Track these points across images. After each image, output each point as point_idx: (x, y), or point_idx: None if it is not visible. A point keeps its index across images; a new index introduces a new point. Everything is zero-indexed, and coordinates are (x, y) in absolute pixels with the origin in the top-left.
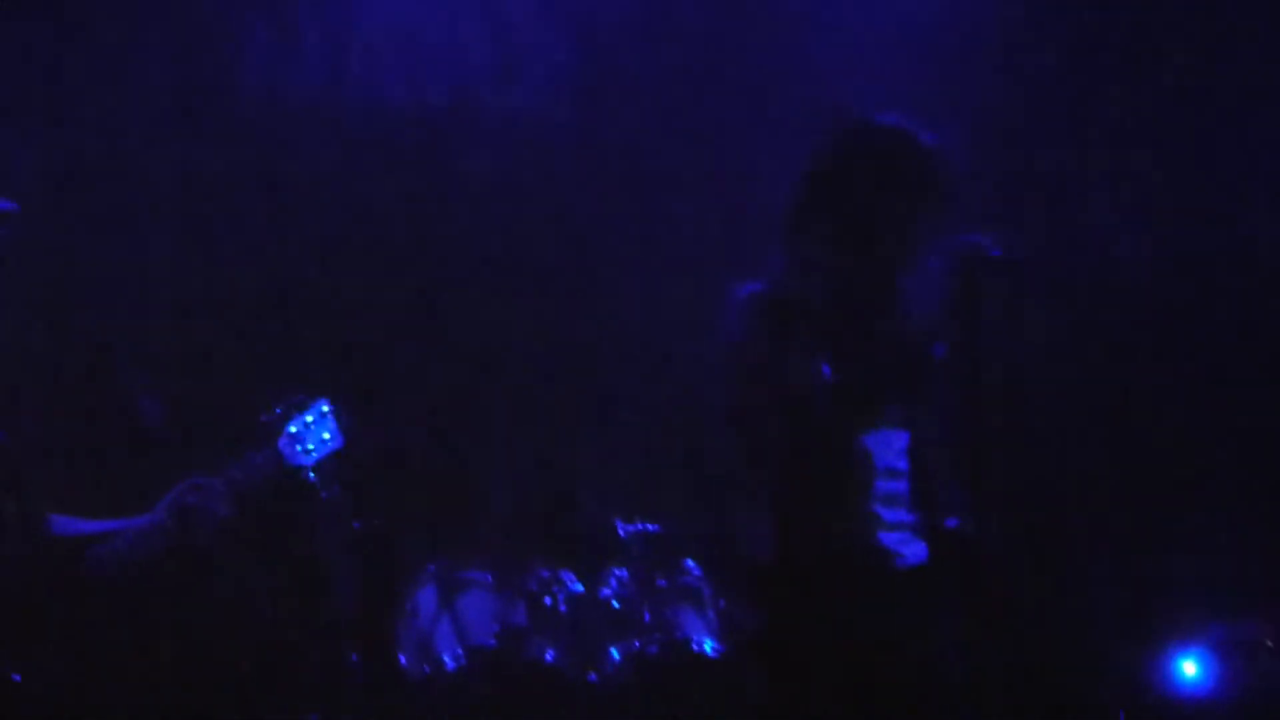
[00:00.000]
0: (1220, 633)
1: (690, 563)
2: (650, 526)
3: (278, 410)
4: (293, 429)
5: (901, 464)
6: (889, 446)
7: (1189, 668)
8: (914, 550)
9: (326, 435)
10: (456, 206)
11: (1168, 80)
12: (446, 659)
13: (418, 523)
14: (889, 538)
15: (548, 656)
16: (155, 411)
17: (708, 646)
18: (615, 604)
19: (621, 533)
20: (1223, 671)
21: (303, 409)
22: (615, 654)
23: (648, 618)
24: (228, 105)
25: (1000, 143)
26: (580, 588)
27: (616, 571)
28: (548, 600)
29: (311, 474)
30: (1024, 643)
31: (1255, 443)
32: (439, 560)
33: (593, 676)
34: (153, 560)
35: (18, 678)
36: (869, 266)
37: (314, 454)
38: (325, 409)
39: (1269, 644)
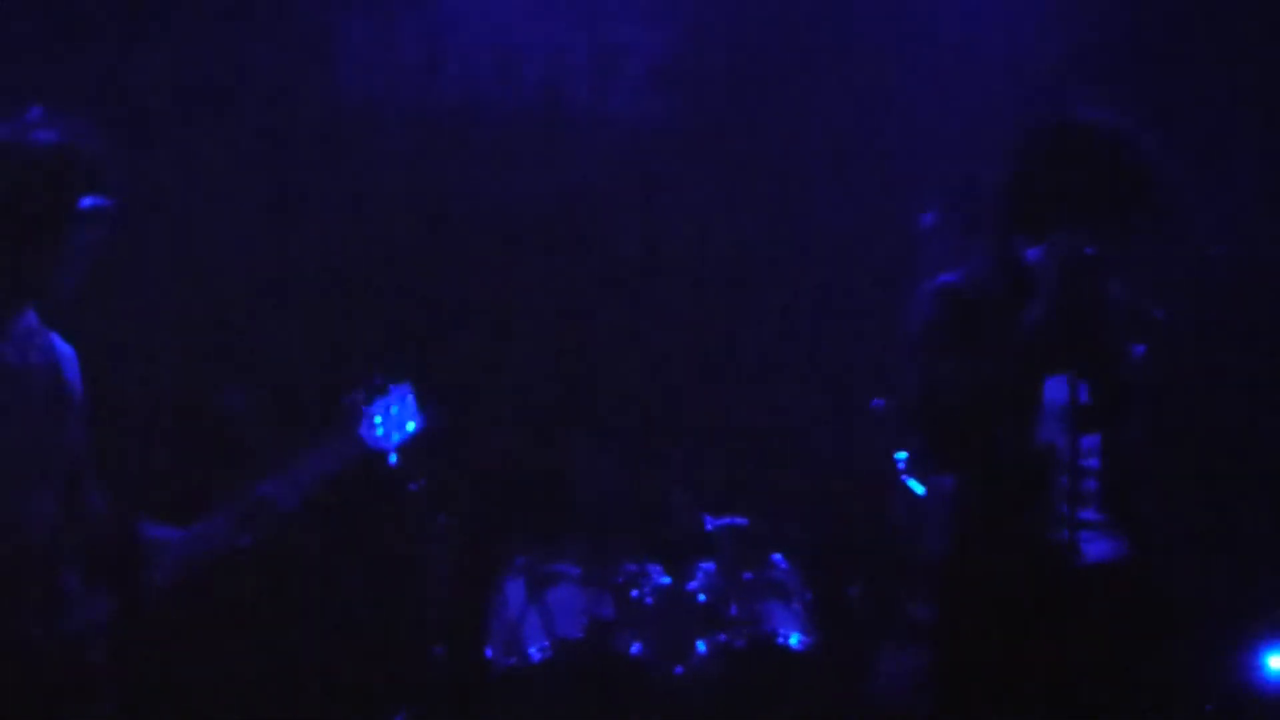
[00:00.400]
0: None
1: (777, 556)
2: (737, 520)
3: (359, 393)
4: (375, 413)
5: (1092, 463)
6: (1080, 443)
7: (1277, 663)
8: (1100, 549)
9: (410, 420)
10: (550, 202)
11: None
12: (533, 652)
13: (505, 515)
14: (1076, 536)
15: (634, 649)
16: (239, 403)
17: (794, 640)
18: (702, 597)
19: (709, 526)
20: None
21: (384, 392)
22: (702, 647)
23: (734, 611)
24: (325, 102)
25: None
26: (667, 581)
27: (703, 565)
28: (635, 593)
29: (394, 458)
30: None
31: None
32: (526, 553)
33: (679, 670)
34: (213, 563)
35: None
36: (1078, 268)
37: (397, 439)
38: (408, 393)
39: None
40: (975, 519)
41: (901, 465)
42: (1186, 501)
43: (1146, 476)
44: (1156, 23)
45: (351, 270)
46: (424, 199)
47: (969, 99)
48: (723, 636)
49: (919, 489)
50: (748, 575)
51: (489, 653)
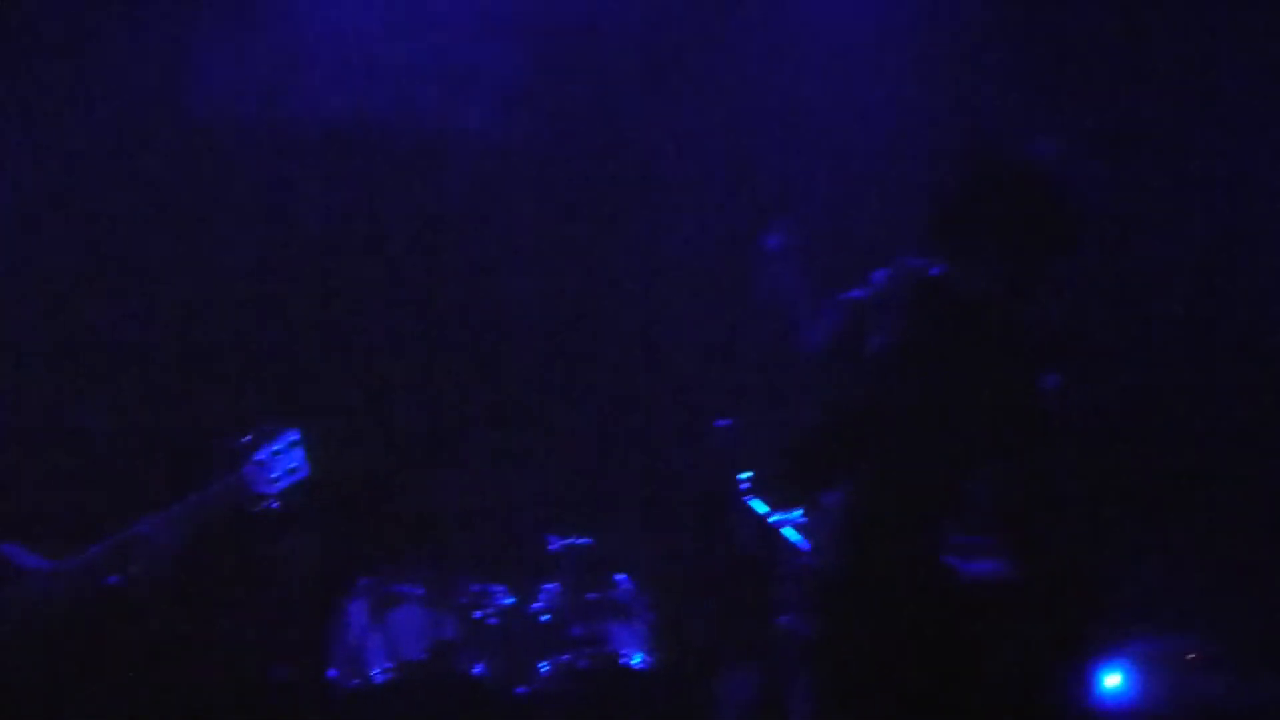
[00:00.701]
0: (1145, 647)
1: (621, 577)
2: (581, 540)
3: (245, 438)
4: (261, 457)
5: (986, 484)
6: (974, 467)
7: (1113, 680)
8: (986, 567)
9: (294, 466)
10: (402, 223)
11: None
12: (377, 673)
13: (349, 537)
14: (962, 554)
15: (478, 670)
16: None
17: (637, 660)
18: (545, 618)
19: (552, 546)
20: (1147, 685)
21: (271, 437)
22: (545, 668)
23: (578, 632)
24: (175, 119)
25: None
26: (511, 601)
27: (547, 585)
28: (478, 614)
29: (275, 503)
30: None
31: (1190, 459)
32: (370, 574)
33: (523, 690)
34: (80, 601)
35: None
36: (1000, 287)
37: (279, 483)
38: (294, 439)
39: (1193, 658)
40: (860, 536)
41: (746, 485)
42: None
43: (1049, 500)
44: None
45: (206, 288)
46: (277, 217)
47: (822, 120)
48: (566, 657)
49: (762, 508)
50: (591, 596)
51: (332, 673)
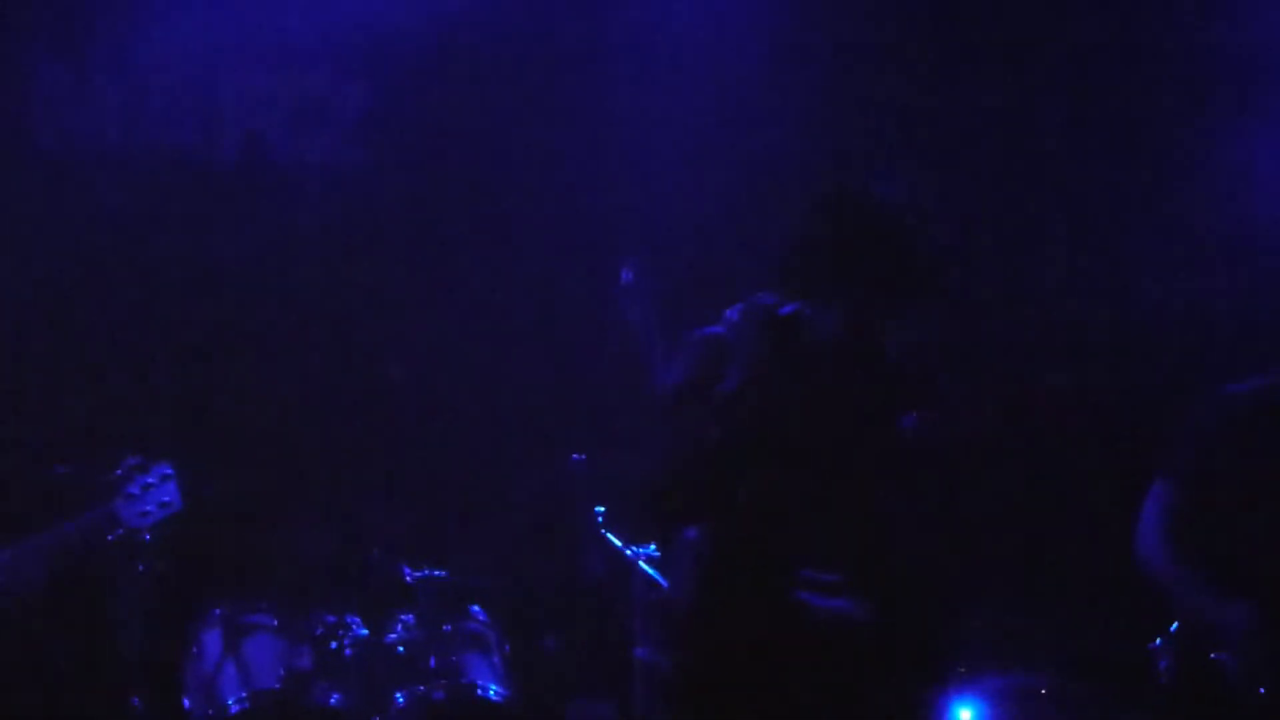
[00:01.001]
0: (996, 681)
1: (476, 608)
2: (437, 572)
3: (118, 470)
4: (133, 490)
5: (829, 517)
6: (829, 504)
7: (965, 715)
8: (841, 606)
9: (166, 500)
10: (250, 253)
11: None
12: (230, 702)
13: (203, 565)
14: (817, 592)
15: (333, 700)
16: None
17: (493, 692)
18: (401, 649)
19: (408, 578)
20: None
21: (144, 470)
22: (400, 699)
23: (434, 663)
24: (20, 148)
25: None
26: (366, 632)
27: (402, 616)
28: (333, 644)
29: (146, 536)
30: None
31: (1044, 496)
32: (224, 602)
33: None
34: None
35: None
36: (853, 327)
37: (151, 517)
38: (167, 473)
39: (1042, 692)
40: (716, 571)
41: (601, 519)
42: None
43: (900, 537)
44: None
45: (54, 322)
46: (127, 247)
47: (673, 149)
48: (422, 688)
49: (618, 543)
50: (447, 627)
51: (186, 704)
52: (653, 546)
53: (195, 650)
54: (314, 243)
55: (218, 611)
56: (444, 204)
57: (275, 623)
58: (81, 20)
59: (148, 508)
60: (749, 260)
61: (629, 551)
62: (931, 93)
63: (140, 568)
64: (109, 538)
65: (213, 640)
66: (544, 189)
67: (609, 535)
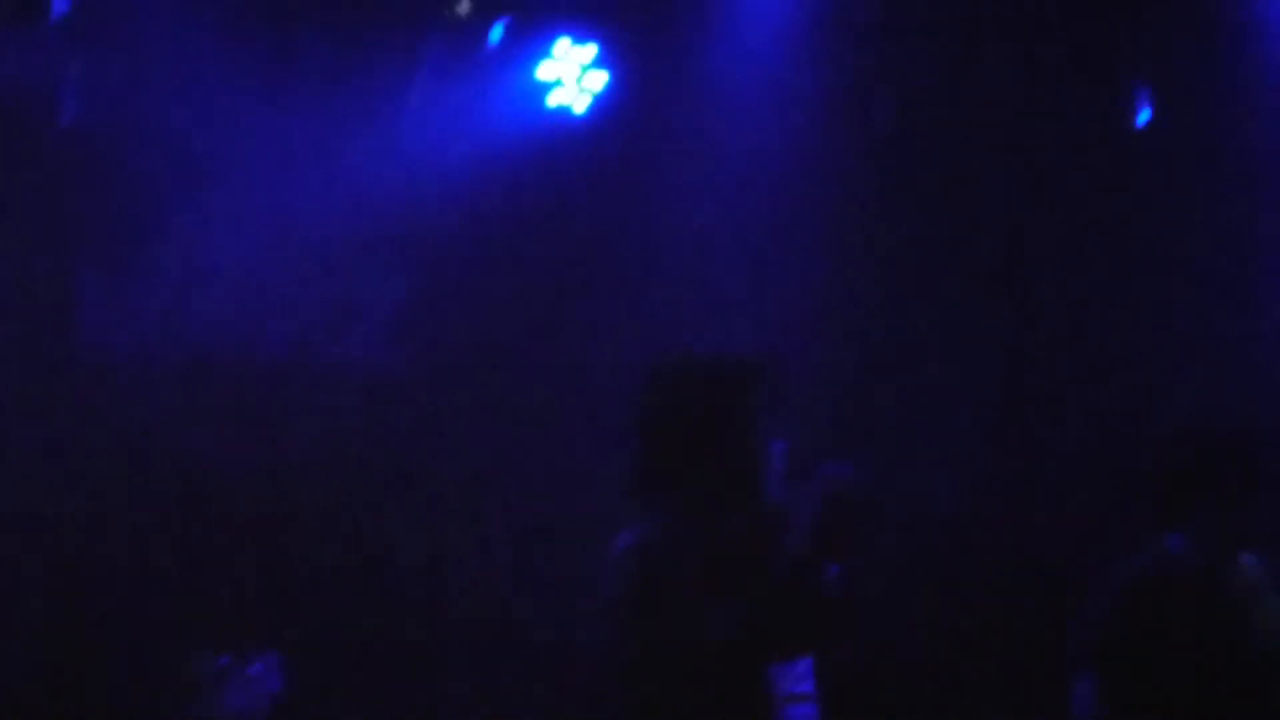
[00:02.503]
0: None
1: None
2: None
3: (222, 660)
4: (238, 681)
5: (804, 687)
6: (790, 673)
7: None
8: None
9: (273, 688)
10: (294, 453)
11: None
12: None
13: None
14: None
15: None
16: None
17: None
18: None
19: None
20: None
21: (248, 660)
22: None
23: None
24: (61, 352)
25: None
26: None
27: None
28: None
29: None
30: None
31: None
32: None
33: None
34: None
35: None
36: (730, 500)
37: (257, 708)
38: (273, 661)
39: None
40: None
41: None
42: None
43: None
44: None
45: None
46: (170, 455)
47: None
48: None
49: None
50: None
51: None
52: None
53: None
54: (353, 440)
55: None
56: (482, 401)
57: None
58: (122, 231)
59: (252, 700)
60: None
61: None
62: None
63: None
64: None
65: None
66: (582, 378)
67: None
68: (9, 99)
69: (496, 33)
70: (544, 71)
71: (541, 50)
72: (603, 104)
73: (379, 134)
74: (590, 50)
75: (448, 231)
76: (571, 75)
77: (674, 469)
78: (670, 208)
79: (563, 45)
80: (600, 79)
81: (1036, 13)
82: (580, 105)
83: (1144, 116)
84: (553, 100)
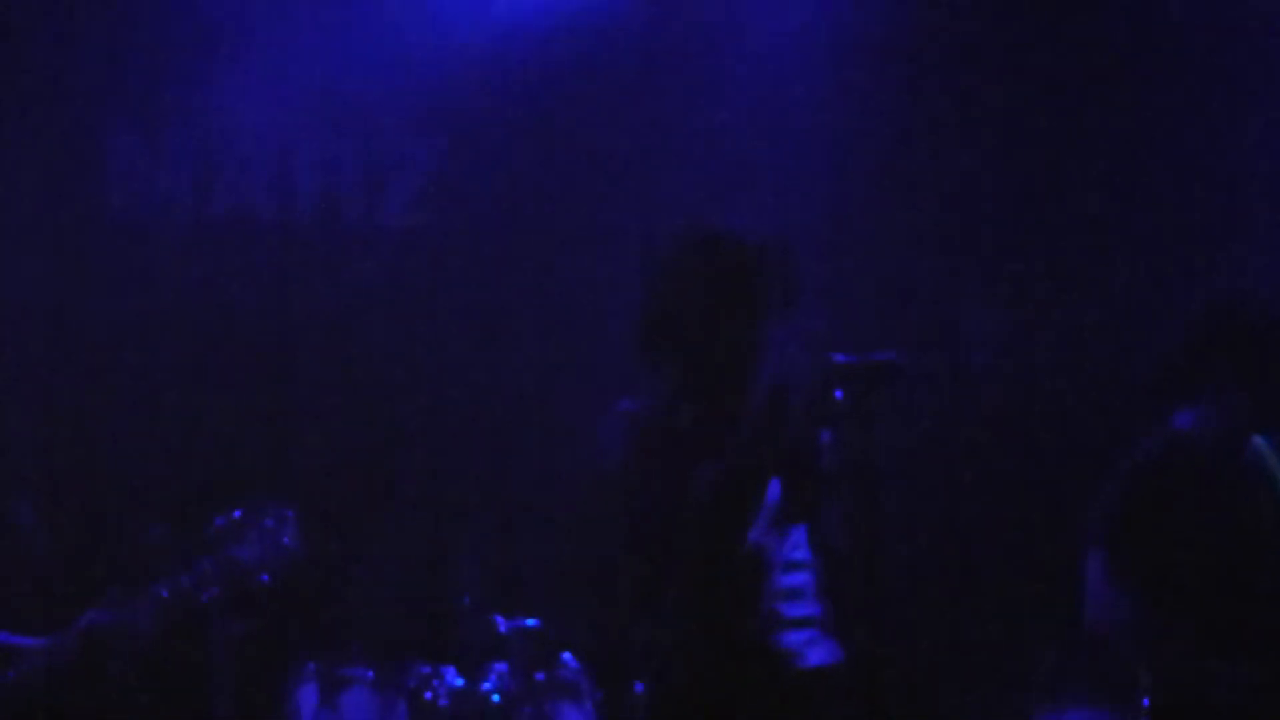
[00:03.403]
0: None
1: (568, 656)
2: (529, 621)
3: (236, 514)
4: (253, 534)
5: (800, 555)
6: (786, 539)
7: None
8: (819, 651)
9: (287, 542)
10: (326, 315)
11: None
12: None
13: (296, 621)
14: (792, 636)
15: None
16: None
17: None
18: (495, 698)
19: (501, 627)
20: None
21: (263, 513)
22: None
23: (528, 712)
24: (93, 216)
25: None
26: (460, 682)
27: (496, 666)
28: (428, 695)
29: (267, 577)
30: None
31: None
32: (318, 658)
33: None
34: (36, 690)
35: None
36: (723, 379)
37: (272, 561)
38: (288, 515)
39: None
40: (690, 631)
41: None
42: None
43: (860, 568)
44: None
45: (133, 390)
46: (202, 311)
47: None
48: None
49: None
50: (540, 676)
51: None
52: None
53: (291, 706)
54: (387, 302)
55: (312, 666)
56: (513, 262)
57: (370, 675)
58: (153, 89)
59: (267, 552)
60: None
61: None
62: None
63: (238, 628)
64: (218, 589)
65: (308, 696)
66: (611, 240)
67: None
68: None
69: None
70: None
71: None
72: None
73: None
74: None
75: (480, 97)
76: None
77: (675, 339)
78: (699, 81)
79: None
80: None
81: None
82: None
83: None
84: None
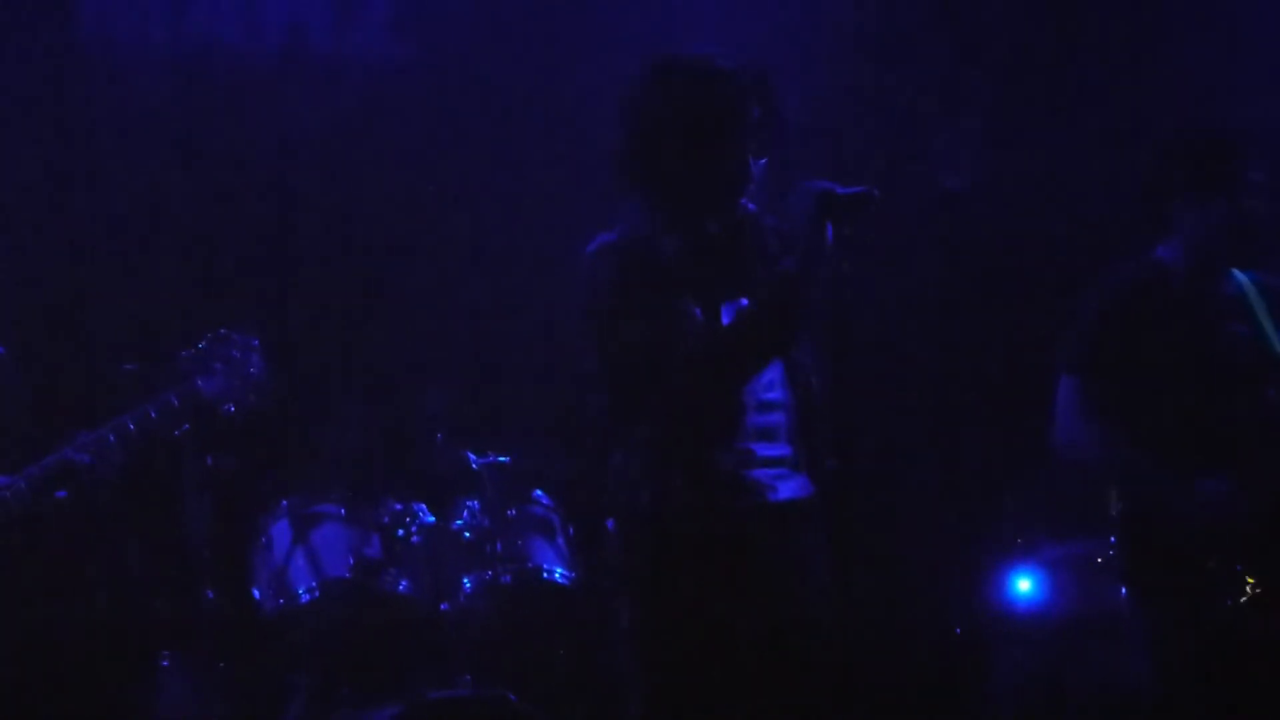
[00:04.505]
0: (1052, 551)
1: (539, 492)
2: (500, 458)
3: (201, 344)
4: (217, 364)
5: (774, 395)
6: (759, 380)
7: (1023, 584)
8: (790, 485)
9: (253, 371)
10: (293, 149)
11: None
12: (301, 591)
13: (269, 457)
14: (765, 473)
15: (401, 587)
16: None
17: (559, 574)
18: (467, 535)
19: (473, 464)
20: (1054, 587)
21: (227, 342)
22: (468, 584)
23: (500, 548)
24: (64, 46)
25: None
26: (432, 519)
27: (468, 502)
28: (401, 532)
29: (231, 408)
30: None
31: None
32: (291, 495)
33: (446, 607)
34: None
35: None
36: (705, 208)
37: (238, 390)
38: (254, 343)
39: (1099, 560)
40: (663, 465)
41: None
42: (896, 430)
43: (831, 406)
44: None
45: (107, 218)
46: (171, 142)
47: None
48: (489, 573)
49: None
50: (511, 512)
51: (256, 594)
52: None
53: (264, 542)
54: (355, 134)
55: (285, 503)
56: (482, 100)
57: (343, 512)
58: None
59: (232, 382)
60: None
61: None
62: None
63: (209, 461)
64: (204, 415)
65: (281, 531)
66: (580, 80)
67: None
68: None
69: None
70: None
71: None
72: None
73: None
74: None
75: None
76: None
77: (652, 169)
78: None
79: None
80: None
81: None
82: None
83: None
84: None
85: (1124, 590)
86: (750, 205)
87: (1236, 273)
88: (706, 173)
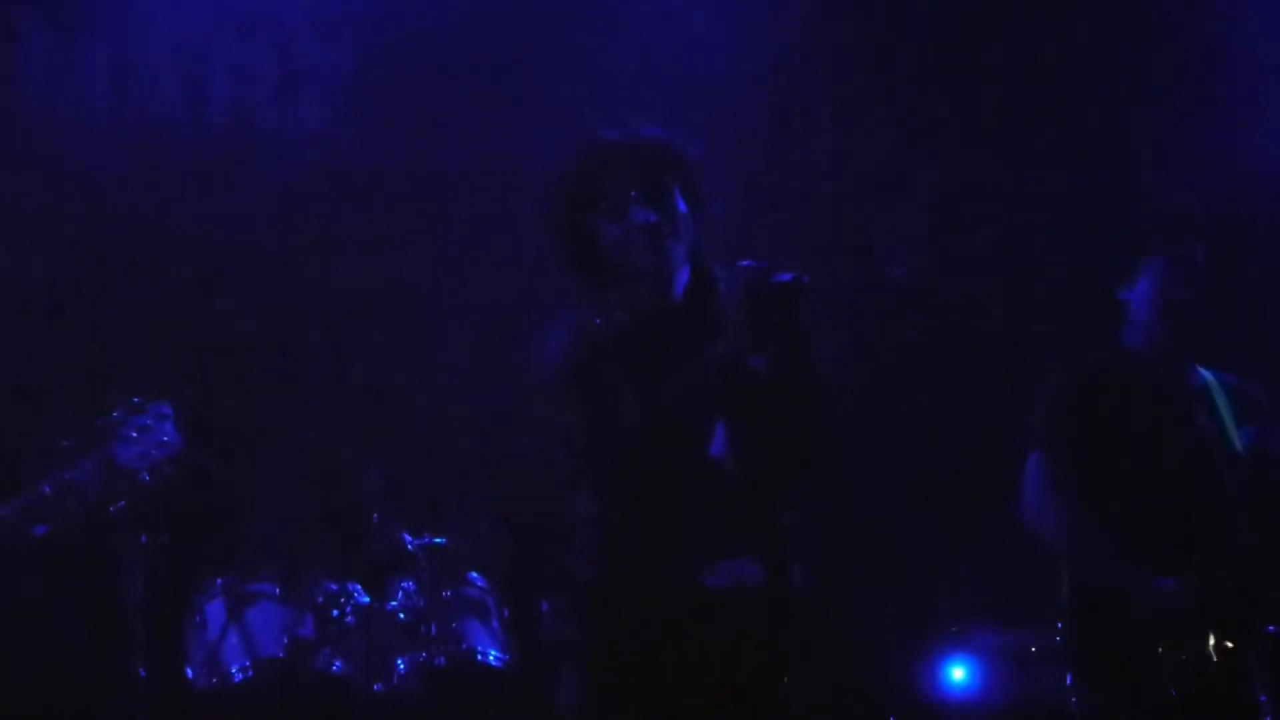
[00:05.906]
0: (988, 640)
1: (474, 575)
2: (437, 539)
3: (114, 414)
4: (129, 431)
5: (715, 475)
6: (701, 459)
7: (958, 673)
8: (737, 568)
9: (165, 439)
10: (238, 224)
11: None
12: (234, 670)
13: (204, 536)
14: (704, 556)
15: (335, 668)
16: None
17: (493, 656)
18: (402, 616)
19: (409, 545)
20: (989, 677)
21: (141, 411)
22: (402, 665)
23: (434, 629)
24: (7, 110)
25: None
26: (367, 600)
27: (403, 583)
28: (335, 612)
29: (146, 477)
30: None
31: None
32: (226, 572)
33: (380, 688)
34: None
35: None
36: (638, 289)
37: (149, 458)
38: (165, 412)
39: (1033, 650)
40: (618, 542)
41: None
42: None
43: (785, 490)
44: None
45: (46, 290)
46: (113, 218)
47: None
48: (423, 655)
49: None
50: (446, 593)
51: (190, 673)
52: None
53: (198, 620)
54: (301, 208)
55: (220, 581)
56: (428, 173)
57: (277, 591)
58: None
59: (146, 449)
60: None
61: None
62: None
63: (143, 539)
64: (115, 487)
65: (216, 610)
66: (528, 153)
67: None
68: None
69: None
70: None
71: None
72: None
73: None
74: None
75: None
76: None
77: (583, 247)
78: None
79: None
80: None
81: None
82: None
83: None
84: None
85: (1069, 676)
86: (711, 277)
87: (1201, 369)
88: (632, 255)
